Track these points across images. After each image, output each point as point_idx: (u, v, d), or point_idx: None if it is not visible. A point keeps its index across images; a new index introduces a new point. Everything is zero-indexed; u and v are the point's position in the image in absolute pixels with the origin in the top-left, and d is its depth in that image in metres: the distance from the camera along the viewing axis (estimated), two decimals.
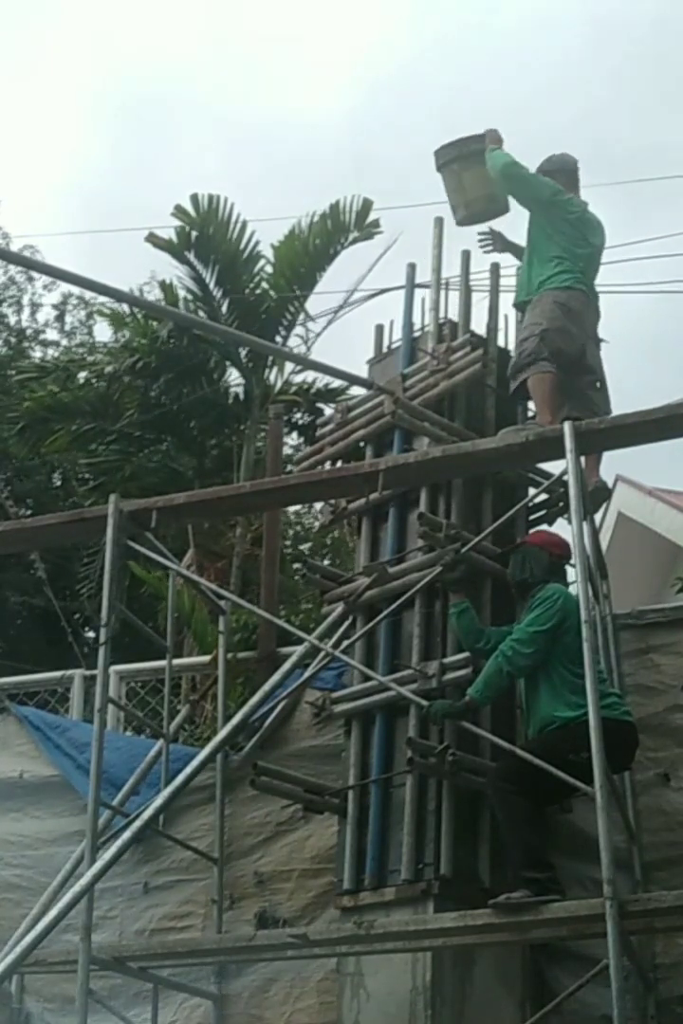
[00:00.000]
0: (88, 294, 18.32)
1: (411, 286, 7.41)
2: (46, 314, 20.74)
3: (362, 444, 7.03)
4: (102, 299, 15.65)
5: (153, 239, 13.28)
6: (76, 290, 19.14)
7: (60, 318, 20.64)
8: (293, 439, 15.28)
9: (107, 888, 6.63)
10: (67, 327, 20.65)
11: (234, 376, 14.39)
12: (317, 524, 15.18)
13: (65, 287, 19.53)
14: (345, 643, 6.39)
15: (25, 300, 20.75)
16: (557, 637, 5.66)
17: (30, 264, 18.14)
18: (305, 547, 16.26)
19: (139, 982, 6.48)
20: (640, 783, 6.17)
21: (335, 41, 34.43)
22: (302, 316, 13.74)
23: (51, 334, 20.67)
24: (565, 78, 31.90)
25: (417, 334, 7.20)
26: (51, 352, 19.45)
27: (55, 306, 20.58)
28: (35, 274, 20.46)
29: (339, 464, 7.03)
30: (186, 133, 32.32)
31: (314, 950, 5.86)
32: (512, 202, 7.24)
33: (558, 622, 5.67)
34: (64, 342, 20.38)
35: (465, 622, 6.02)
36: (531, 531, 6.53)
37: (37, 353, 19.61)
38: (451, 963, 5.78)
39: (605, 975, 4.86)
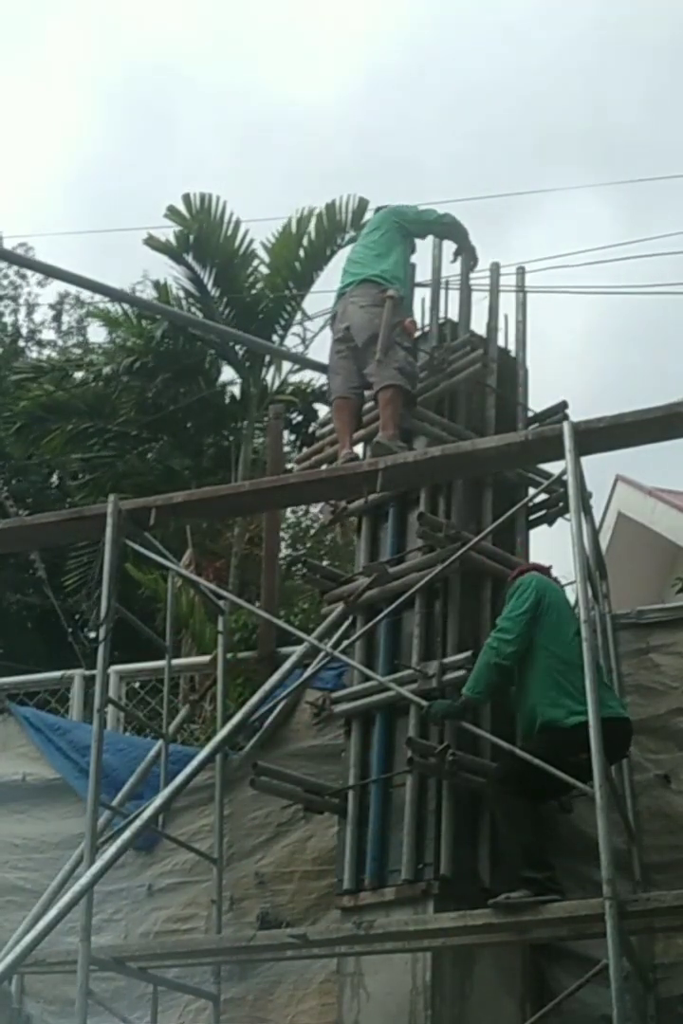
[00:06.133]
0: (85, 294, 18.29)
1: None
2: (43, 314, 20.73)
3: (362, 444, 7.03)
4: (98, 299, 15.64)
5: (152, 242, 13.22)
6: (73, 289, 19.11)
7: (57, 318, 20.61)
8: (291, 438, 15.29)
9: (112, 891, 6.62)
10: (64, 327, 20.62)
11: (231, 376, 14.39)
12: (314, 526, 15.19)
13: (61, 286, 19.51)
14: (345, 643, 6.38)
15: (21, 299, 20.73)
16: (537, 618, 5.64)
17: (25, 262, 18.08)
18: (304, 548, 16.22)
19: (143, 985, 6.44)
20: (640, 785, 6.16)
21: (336, 30, 34.45)
22: (299, 315, 13.74)
23: (47, 334, 20.67)
24: (570, 64, 31.93)
25: (417, 334, 7.20)
26: (47, 352, 19.41)
27: (52, 306, 20.56)
28: (29, 272, 20.42)
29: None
30: (187, 124, 32.37)
31: (313, 950, 5.84)
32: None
33: (536, 601, 5.66)
34: (60, 342, 20.35)
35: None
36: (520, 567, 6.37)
37: (33, 353, 19.59)
38: (451, 963, 5.78)
39: (605, 975, 4.86)
